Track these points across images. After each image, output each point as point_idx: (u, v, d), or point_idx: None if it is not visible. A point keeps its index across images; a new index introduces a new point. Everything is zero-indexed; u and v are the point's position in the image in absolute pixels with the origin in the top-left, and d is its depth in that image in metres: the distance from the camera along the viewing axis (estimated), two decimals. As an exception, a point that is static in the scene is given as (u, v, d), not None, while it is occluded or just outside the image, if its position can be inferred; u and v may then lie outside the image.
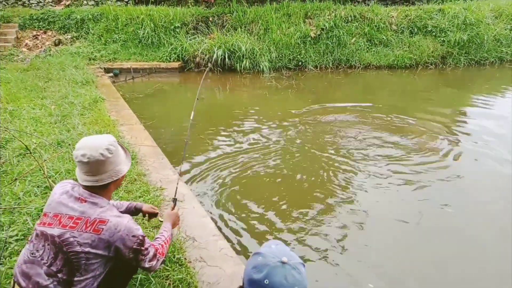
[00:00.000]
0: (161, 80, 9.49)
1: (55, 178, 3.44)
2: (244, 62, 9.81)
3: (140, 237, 1.75)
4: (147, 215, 2.35)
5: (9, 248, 2.49)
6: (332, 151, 5.23)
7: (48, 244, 1.63)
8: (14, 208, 2.96)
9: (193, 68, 10.26)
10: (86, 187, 1.74)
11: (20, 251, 2.47)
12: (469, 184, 4.46)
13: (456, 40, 10.34)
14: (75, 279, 1.63)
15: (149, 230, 2.81)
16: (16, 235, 2.62)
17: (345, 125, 6.22)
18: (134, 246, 1.72)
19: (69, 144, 4.29)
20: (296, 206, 3.87)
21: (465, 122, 6.51)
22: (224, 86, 9.28)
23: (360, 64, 10.25)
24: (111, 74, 9.44)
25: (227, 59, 9.86)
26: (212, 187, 4.22)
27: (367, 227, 3.59)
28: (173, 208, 2.33)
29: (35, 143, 4.26)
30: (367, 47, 10.52)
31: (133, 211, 2.28)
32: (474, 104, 7.52)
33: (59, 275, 1.61)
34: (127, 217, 1.76)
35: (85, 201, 1.70)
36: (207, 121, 6.41)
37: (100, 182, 1.72)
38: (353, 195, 4.11)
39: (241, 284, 1.25)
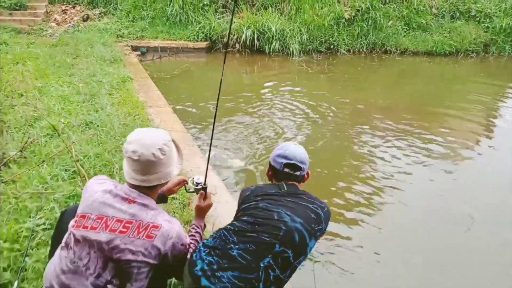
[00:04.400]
0: (188, 60, 9.28)
1: (83, 162, 3.32)
2: (274, 43, 9.44)
3: (187, 246, 1.63)
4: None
5: (36, 238, 2.37)
6: (361, 141, 5.03)
7: (95, 252, 1.45)
8: (41, 193, 2.86)
9: (220, 49, 9.98)
10: (133, 185, 1.55)
11: (48, 242, 2.37)
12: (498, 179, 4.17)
13: (502, 26, 9.62)
14: None
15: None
16: (43, 223, 2.50)
17: (377, 115, 5.89)
18: (181, 255, 1.59)
19: (98, 125, 4.17)
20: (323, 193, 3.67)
21: (502, 117, 6.08)
22: (252, 68, 8.99)
23: (396, 49, 9.70)
24: (138, 52, 9.29)
25: (255, 40, 9.53)
26: (240, 175, 4.05)
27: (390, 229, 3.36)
28: (204, 197, 2.02)
29: (63, 123, 4.16)
30: (405, 31, 9.93)
31: (156, 201, 2.08)
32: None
33: (109, 286, 1.45)
34: (176, 222, 1.60)
35: (134, 202, 1.51)
36: (233, 107, 6.19)
37: (147, 183, 1.54)
38: (378, 185, 4.00)
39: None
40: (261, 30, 9.52)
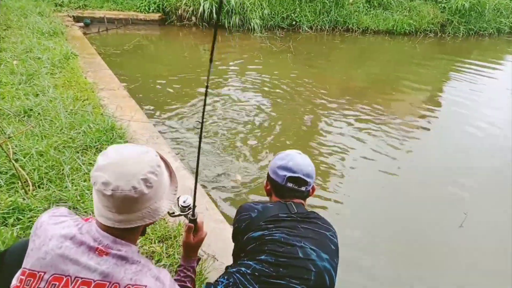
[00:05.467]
0: (139, 33, 8.43)
1: (24, 162, 2.70)
2: (234, 18, 8.85)
3: None
4: None
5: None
6: (328, 122, 4.93)
7: None
8: (-30, 206, 2.25)
9: (175, 22, 9.19)
10: (105, 226, 1.05)
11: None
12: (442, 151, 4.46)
13: (458, 7, 9.78)
14: None
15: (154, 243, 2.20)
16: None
17: (345, 95, 5.74)
18: None
19: (39, 114, 3.49)
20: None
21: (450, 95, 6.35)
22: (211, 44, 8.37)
23: (358, 28, 9.52)
24: (82, 24, 8.26)
25: (214, 14, 8.86)
26: (214, 173, 3.63)
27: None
28: (195, 230, 1.53)
29: (-5, 111, 3.43)
30: (366, 9, 9.77)
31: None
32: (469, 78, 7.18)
33: None
34: (165, 276, 1.11)
35: (107, 254, 1.02)
36: (195, 89, 5.67)
37: (125, 224, 1.04)
38: (348, 167, 3.95)
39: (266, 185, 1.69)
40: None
